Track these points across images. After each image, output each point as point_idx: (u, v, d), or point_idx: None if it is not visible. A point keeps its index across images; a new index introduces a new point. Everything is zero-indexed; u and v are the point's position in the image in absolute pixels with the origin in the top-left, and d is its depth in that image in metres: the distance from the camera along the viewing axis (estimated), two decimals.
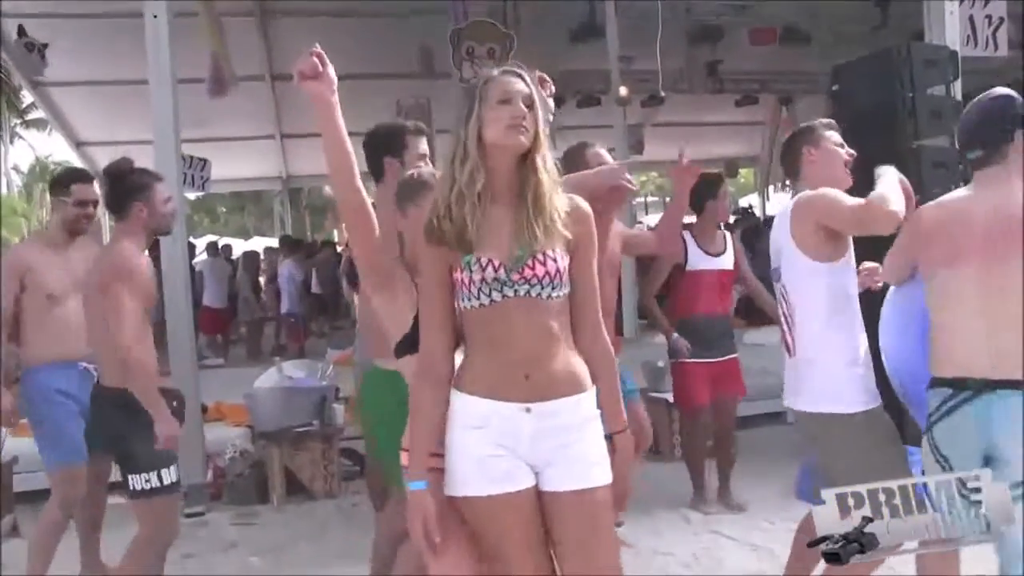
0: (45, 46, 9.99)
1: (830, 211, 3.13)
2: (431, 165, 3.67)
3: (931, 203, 3.12)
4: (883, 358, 3.32)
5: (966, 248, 2.87)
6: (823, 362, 3.19)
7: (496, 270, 2.34)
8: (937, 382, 2.92)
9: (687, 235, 5.50)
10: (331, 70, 2.42)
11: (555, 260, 2.36)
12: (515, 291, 2.35)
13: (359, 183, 2.59)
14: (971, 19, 7.12)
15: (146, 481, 3.70)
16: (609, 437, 2.49)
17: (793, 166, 3.48)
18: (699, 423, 5.58)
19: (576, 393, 2.40)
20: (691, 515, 5.43)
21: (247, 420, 6.86)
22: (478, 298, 2.36)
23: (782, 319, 3.38)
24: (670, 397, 6.49)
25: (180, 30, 6.54)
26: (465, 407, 2.41)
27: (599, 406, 2.46)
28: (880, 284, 3.45)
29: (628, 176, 3.66)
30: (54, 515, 4.31)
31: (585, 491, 2.38)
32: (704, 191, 5.36)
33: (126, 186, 3.86)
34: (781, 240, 3.31)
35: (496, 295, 2.35)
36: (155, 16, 6.16)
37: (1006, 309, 2.78)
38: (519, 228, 2.35)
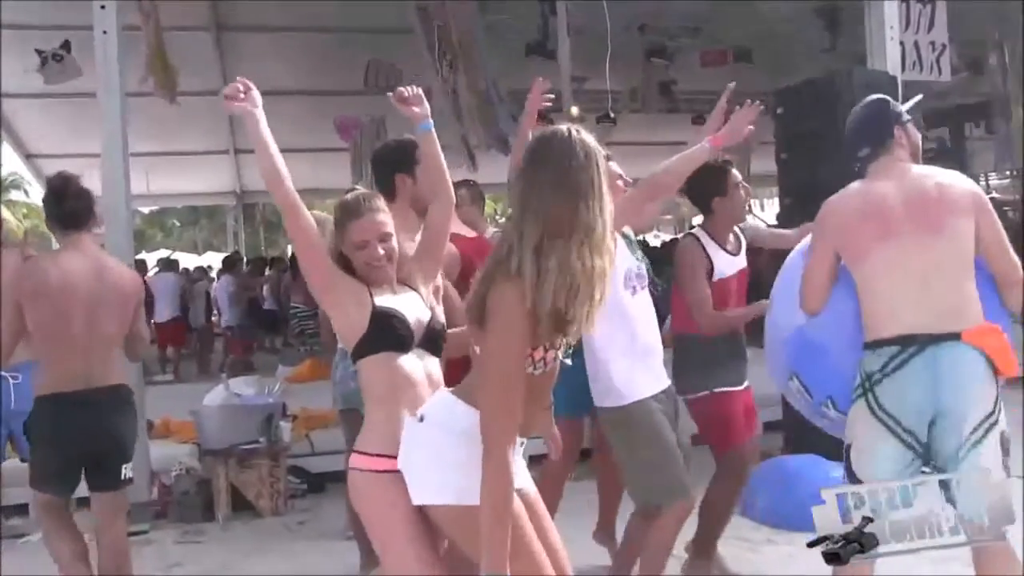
0: None
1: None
2: None
3: (835, 197, 3.35)
4: (799, 384, 3.41)
5: (895, 222, 3.12)
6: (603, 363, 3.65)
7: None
8: (882, 342, 3.06)
9: (703, 235, 4.46)
10: (255, 92, 2.76)
11: None
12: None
13: (290, 184, 2.75)
14: (916, 45, 7.32)
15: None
16: None
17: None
18: (745, 468, 4.51)
19: None
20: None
21: (194, 437, 6.79)
22: (544, 367, 2.52)
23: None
24: None
25: (131, 44, 6.49)
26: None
27: None
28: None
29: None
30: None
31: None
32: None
33: (92, 198, 4.08)
34: None
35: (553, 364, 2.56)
36: (104, 32, 6.11)
37: (941, 272, 3.05)
38: None
